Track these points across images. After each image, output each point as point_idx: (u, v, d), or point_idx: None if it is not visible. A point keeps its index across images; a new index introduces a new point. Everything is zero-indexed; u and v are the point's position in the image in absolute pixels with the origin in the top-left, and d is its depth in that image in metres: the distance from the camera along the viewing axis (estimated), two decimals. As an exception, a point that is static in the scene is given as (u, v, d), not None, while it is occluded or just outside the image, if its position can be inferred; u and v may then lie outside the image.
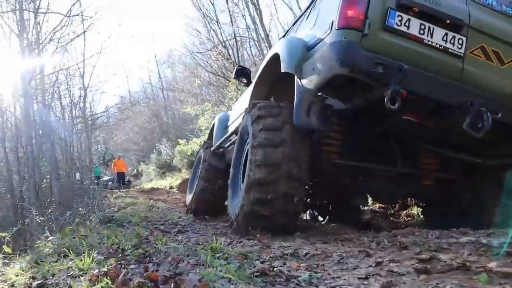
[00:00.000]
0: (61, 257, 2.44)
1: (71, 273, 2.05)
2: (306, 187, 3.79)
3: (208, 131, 7.84)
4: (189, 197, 6.47)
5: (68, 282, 1.81)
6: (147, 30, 77.87)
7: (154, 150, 25.98)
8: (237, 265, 1.90)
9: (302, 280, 1.71)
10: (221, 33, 18.29)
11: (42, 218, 6.14)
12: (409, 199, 4.85)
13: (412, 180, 3.93)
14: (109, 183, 19.88)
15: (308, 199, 5.01)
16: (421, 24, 2.77)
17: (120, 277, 1.64)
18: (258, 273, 1.78)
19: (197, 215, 5.56)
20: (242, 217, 3.31)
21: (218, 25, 18.39)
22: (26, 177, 8.37)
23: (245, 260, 2.08)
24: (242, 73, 5.58)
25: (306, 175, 3.25)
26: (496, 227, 2.72)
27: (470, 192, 3.82)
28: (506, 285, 1.52)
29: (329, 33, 2.83)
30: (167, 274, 1.75)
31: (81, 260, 2.14)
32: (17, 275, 2.28)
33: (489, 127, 2.60)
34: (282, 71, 3.29)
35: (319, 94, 3.05)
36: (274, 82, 4.01)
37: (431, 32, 2.79)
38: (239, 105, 5.13)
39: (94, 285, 1.66)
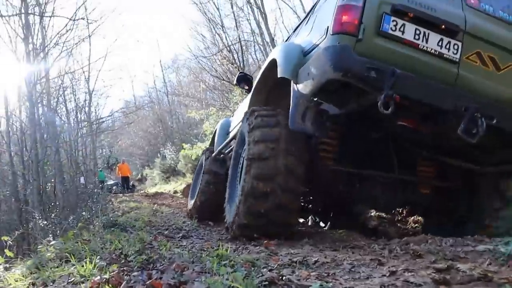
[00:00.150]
0: (62, 262, 2.39)
1: (72, 279, 1.99)
2: (307, 190, 3.84)
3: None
4: (190, 202, 6.46)
5: (69, 289, 1.74)
6: (152, 35, 78.17)
7: (159, 155, 25.96)
8: (244, 273, 1.82)
9: (313, 290, 1.63)
10: (226, 38, 18.35)
11: (46, 222, 6.11)
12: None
13: (409, 188, 3.89)
14: (114, 187, 19.86)
15: (309, 205, 5.05)
16: (416, 29, 2.75)
17: (122, 285, 1.56)
18: (267, 282, 1.70)
19: (198, 220, 5.50)
20: (236, 226, 3.34)
21: (223, 30, 18.45)
22: (30, 180, 8.36)
23: (252, 268, 2.00)
24: (244, 80, 5.55)
25: (301, 186, 3.24)
26: (495, 236, 2.63)
27: (468, 201, 3.76)
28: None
29: (324, 38, 2.83)
30: (171, 282, 1.68)
31: (83, 266, 2.08)
32: (17, 281, 2.23)
33: (484, 132, 2.58)
34: (279, 76, 3.28)
35: (314, 99, 3.03)
36: (272, 88, 4.00)
37: (426, 37, 2.77)
38: (240, 111, 5.11)
39: (95, 293, 1.58)
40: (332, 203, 4.86)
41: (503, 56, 2.94)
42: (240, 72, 5.97)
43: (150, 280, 1.70)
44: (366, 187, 3.77)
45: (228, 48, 17.61)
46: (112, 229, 4.11)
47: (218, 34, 18.67)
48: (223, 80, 17.84)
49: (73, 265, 2.19)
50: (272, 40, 15.43)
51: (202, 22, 19.91)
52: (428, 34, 2.76)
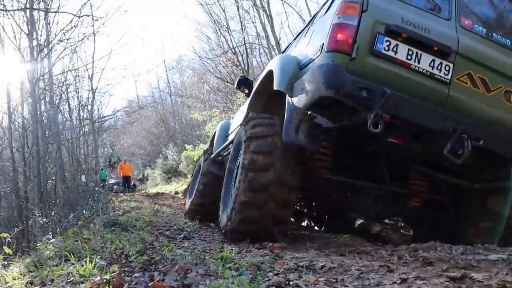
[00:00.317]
0: (62, 261, 2.32)
1: (71, 279, 1.92)
2: (302, 197, 4.05)
3: (214, 138, 7.85)
4: (188, 203, 6.47)
5: (67, 289, 1.67)
6: (157, 35, 78.30)
7: (161, 155, 25.93)
8: (249, 277, 1.76)
9: (322, 296, 1.57)
10: (231, 40, 18.34)
11: (46, 220, 6.04)
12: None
13: (400, 200, 3.95)
14: (115, 186, 19.82)
15: (305, 209, 5.21)
16: (409, 49, 2.80)
17: (124, 287, 1.50)
18: (274, 287, 1.64)
19: (199, 221, 5.45)
20: (228, 230, 3.41)
21: (228, 32, 18.44)
22: (31, 177, 8.30)
23: (258, 272, 1.94)
24: (244, 84, 5.62)
25: (294, 198, 3.33)
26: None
27: (456, 215, 3.81)
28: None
29: (319, 55, 2.88)
30: (174, 285, 1.62)
31: (83, 265, 2.01)
32: (15, 279, 2.16)
33: (469, 154, 2.65)
34: (274, 88, 3.34)
35: (308, 112, 3.07)
36: (269, 97, 4.08)
37: (419, 58, 2.82)
38: (240, 115, 5.15)
39: (95, 294, 1.52)
40: (326, 210, 4.99)
41: (494, 78, 2.99)
42: (241, 76, 6.02)
43: (153, 282, 1.64)
44: (358, 197, 3.83)
45: (233, 50, 17.60)
46: (113, 228, 4.04)
47: (223, 35, 18.72)
48: (227, 82, 17.82)
49: (73, 264, 2.13)
50: (278, 43, 15.38)
51: (208, 23, 19.95)
52: (421, 54, 2.82)
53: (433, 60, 2.84)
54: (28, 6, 8.01)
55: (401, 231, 5.72)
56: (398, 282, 1.77)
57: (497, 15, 3.40)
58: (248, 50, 17.81)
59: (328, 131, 3.32)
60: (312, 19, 3.96)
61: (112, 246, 2.67)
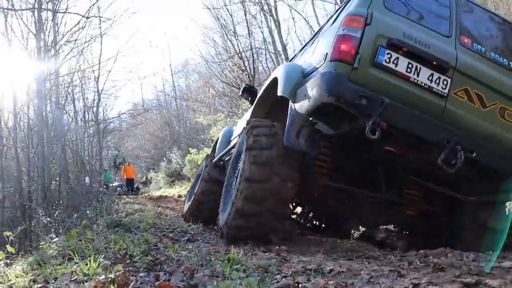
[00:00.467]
0: (65, 260, 2.29)
1: (75, 277, 1.89)
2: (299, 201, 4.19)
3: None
4: (187, 205, 6.48)
5: (71, 287, 1.63)
6: (164, 38, 78.57)
7: (164, 158, 25.91)
8: (257, 279, 1.71)
9: (332, 300, 1.52)
10: (237, 44, 18.31)
11: (49, 220, 6.02)
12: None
13: (394, 208, 4.03)
14: (118, 188, 19.81)
15: (301, 220, 5.23)
16: (409, 63, 2.90)
17: (130, 286, 1.46)
18: (282, 289, 1.59)
19: (198, 222, 5.43)
20: (225, 233, 3.51)
21: (235, 36, 18.42)
22: (35, 178, 8.29)
23: (266, 274, 1.90)
24: (248, 91, 5.76)
25: (290, 209, 3.54)
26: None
27: (450, 226, 3.88)
28: None
29: (323, 64, 2.98)
30: (180, 285, 1.58)
31: (87, 264, 1.98)
32: (18, 277, 2.13)
33: (462, 164, 2.73)
34: (278, 95, 3.42)
35: (310, 118, 3.17)
36: (273, 104, 4.18)
37: (418, 71, 2.91)
38: (243, 121, 5.16)
39: (100, 292, 1.48)
40: (322, 218, 5.15)
41: (490, 95, 3.08)
42: (246, 84, 6.18)
43: (159, 282, 1.60)
44: (355, 203, 3.91)
45: (239, 55, 17.59)
46: (116, 229, 4.02)
47: (230, 40, 18.66)
48: (233, 86, 17.80)
49: (76, 263, 2.10)
50: (284, 48, 15.39)
51: (215, 27, 19.96)
52: (420, 68, 2.91)
53: (432, 74, 2.93)
54: (36, 6, 8.04)
55: (406, 239, 5.65)
56: (410, 287, 1.72)
57: (496, 36, 3.54)
58: (255, 55, 17.82)
59: (328, 138, 3.39)
60: (318, 31, 4.08)
61: (116, 247, 2.64)
